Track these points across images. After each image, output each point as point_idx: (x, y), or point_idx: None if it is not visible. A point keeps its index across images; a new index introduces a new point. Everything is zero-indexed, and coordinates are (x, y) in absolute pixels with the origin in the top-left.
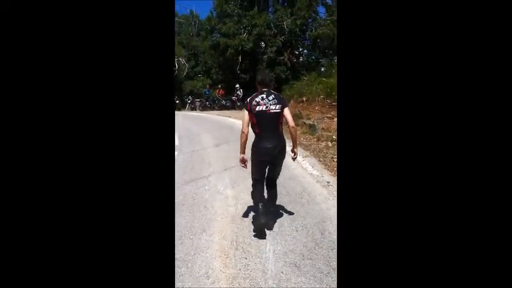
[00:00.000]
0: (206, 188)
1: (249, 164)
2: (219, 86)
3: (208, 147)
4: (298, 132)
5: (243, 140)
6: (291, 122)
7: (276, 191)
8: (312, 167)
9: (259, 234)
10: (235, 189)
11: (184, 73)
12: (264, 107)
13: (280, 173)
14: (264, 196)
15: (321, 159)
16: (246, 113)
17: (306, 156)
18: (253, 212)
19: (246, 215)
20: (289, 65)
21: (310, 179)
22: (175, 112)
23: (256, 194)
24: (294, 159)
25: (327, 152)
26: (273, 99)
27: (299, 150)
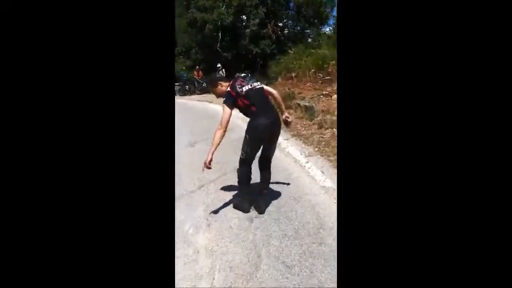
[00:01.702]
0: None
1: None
2: (198, 66)
3: (181, 146)
4: (291, 116)
5: (219, 139)
6: (272, 90)
7: (270, 171)
8: (323, 173)
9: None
10: (213, 230)
11: None
12: (249, 85)
13: (281, 193)
14: (250, 178)
15: (331, 157)
16: (227, 108)
17: (309, 155)
18: (239, 197)
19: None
20: (274, 38)
21: (326, 199)
22: None
23: (245, 176)
24: (288, 123)
25: (336, 146)
26: (250, 78)
27: (298, 144)
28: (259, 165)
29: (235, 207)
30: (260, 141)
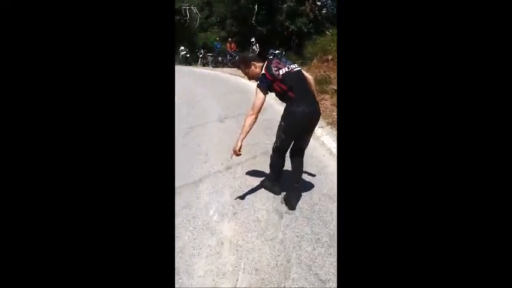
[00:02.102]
0: (182, 218)
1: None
2: (230, 39)
3: (210, 121)
4: (327, 102)
5: (251, 125)
6: (308, 75)
7: (302, 164)
8: None
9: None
10: (239, 221)
11: (197, 24)
12: (286, 68)
13: (315, 188)
14: (282, 171)
15: None
16: (261, 93)
17: None
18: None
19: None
20: (312, 16)
21: None
22: (184, 68)
23: (278, 164)
24: None
25: None
26: (286, 60)
27: (333, 134)
28: (290, 155)
29: (265, 187)
30: (297, 131)
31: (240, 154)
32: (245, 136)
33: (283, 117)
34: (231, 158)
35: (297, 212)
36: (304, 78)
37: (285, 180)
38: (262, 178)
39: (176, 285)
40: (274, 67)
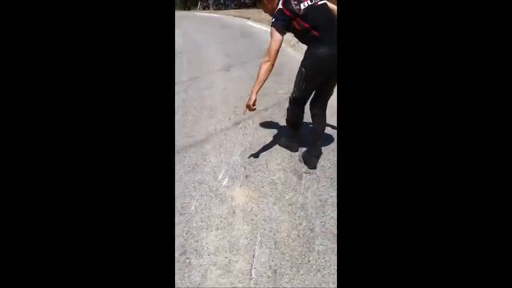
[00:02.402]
0: (187, 185)
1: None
2: None
3: (214, 71)
4: None
5: (267, 74)
6: (334, 8)
7: (325, 118)
8: None
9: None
10: (252, 184)
11: None
12: (308, 1)
13: None
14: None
15: None
16: (276, 34)
17: None
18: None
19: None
20: None
21: None
22: (184, 13)
23: (296, 118)
24: None
25: None
26: None
27: None
28: (311, 108)
29: (281, 144)
30: (320, 78)
31: (255, 109)
32: (260, 87)
33: (304, 62)
34: (244, 113)
35: (318, 171)
36: (331, 12)
37: (304, 136)
38: (277, 133)
39: (181, 283)
40: (294, 0)
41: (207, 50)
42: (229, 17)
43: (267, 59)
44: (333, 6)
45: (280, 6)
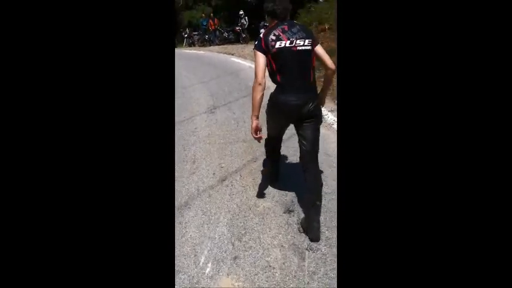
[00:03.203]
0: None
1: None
2: (211, 14)
3: (198, 113)
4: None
5: (257, 97)
6: (330, 63)
7: (319, 172)
8: None
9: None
10: (243, 271)
11: (181, 2)
12: (288, 42)
13: None
14: (278, 171)
15: None
16: (259, 55)
17: None
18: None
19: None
20: None
21: None
22: None
23: (271, 151)
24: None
25: None
26: (299, 31)
27: None
28: (300, 160)
29: (263, 173)
30: (280, 122)
31: (261, 136)
32: (258, 112)
33: (267, 108)
34: (260, 142)
35: (323, 245)
36: (310, 60)
37: (302, 201)
38: (269, 191)
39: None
40: (274, 35)
41: (191, 90)
42: (214, 53)
43: (254, 81)
44: (319, 52)
45: (261, 35)
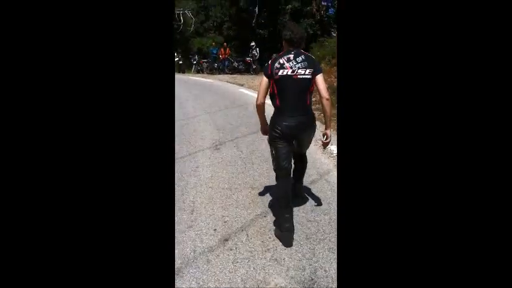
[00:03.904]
0: None
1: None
2: (225, 43)
3: (202, 149)
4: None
5: (260, 114)
6: (324, 93)
7: (306, 163)
8: None
9: (285, 241)
10: None
11: (192, 28)
12: (290, 70)
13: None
14: (290, 195)
15: None
16: (264, 79)
17: None
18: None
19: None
20: (318, 17)
21: None
22: (177, 76)
23: (280, 190)
24: (325, 145)
25: None
26: (303, 61)
27: None
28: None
29: (277, 236)
30: (283, 146)
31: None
32: (264, 122)
33: (268, 134)
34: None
35: None
36: (308, 87)
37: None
38: (282, 258)
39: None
40: (279, 63)
41: (195, 121)
42: (223, 83)
43: (257, 101)
44: (318, 81)
45: (269, 61)
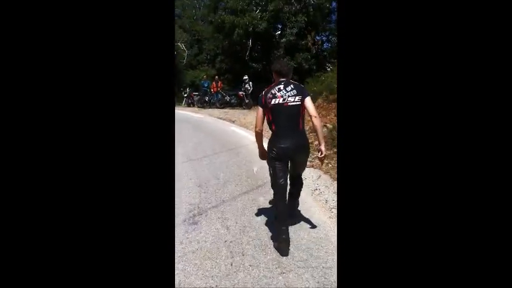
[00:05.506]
0: None
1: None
2: (217, 76)
3: (176, 223)
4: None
5: (258, 139)
6: (313, 111)
7: (301, 185)
8: None
9: (282, 251)
10: None
11: (185, 61)
12: (281, 99)
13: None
14: (286, 210)
15: None
16: (259, 109)
17: None
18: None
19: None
20: (314, 51)
21: None
22: None
23: (277, 207)
24: (321, 160)
25: None
26: (292, 89)
27: None
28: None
29: (275, 247)
30: (279, 166)
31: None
32: (262, 148)
33: (267, 156)
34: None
35: None
36: (299, 113)
37: None
38: None
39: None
40: (271, 94)
41: (179, 168)
42: (213, 119)
43: (255, 128)
44: (307, 104)
45: (262, 93)
